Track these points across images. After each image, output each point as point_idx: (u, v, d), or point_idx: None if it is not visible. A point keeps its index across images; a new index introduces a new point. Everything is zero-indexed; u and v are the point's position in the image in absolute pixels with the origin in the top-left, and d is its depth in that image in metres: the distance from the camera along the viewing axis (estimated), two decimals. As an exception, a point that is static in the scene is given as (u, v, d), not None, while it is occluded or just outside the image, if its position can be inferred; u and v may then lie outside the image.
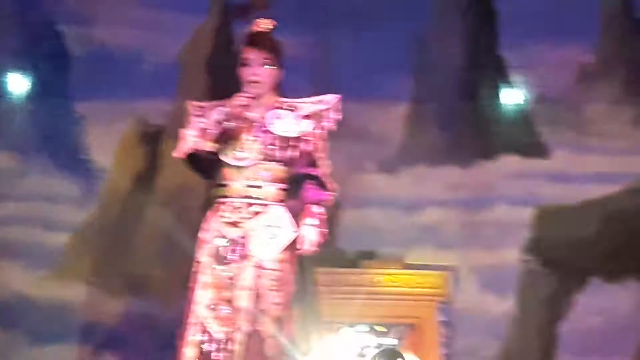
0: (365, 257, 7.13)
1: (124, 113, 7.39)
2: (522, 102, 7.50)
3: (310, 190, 4.71)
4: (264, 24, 4.80)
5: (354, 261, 7.12)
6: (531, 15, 7.31)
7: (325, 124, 4.79)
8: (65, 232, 7.41)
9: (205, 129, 4.67)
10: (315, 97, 4.81)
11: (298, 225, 4.62)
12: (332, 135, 7.39)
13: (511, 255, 7.28)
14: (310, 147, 4.72)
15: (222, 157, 4.65)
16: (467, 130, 7.49)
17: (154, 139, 7.34)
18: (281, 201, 4.69)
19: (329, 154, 7.35)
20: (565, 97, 7.50)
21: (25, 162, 7.43)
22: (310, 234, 4.59)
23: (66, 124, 7.49)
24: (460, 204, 7.39)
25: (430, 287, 6.62)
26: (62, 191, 7.44)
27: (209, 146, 4.62)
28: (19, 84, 7.49)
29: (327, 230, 4.61)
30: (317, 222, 4.62)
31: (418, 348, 6.41)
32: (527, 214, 7.32)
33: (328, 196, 4.72)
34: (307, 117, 4.74)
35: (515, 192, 7.33)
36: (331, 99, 4.81)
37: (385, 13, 7.44)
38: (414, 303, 6.57)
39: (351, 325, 6.39)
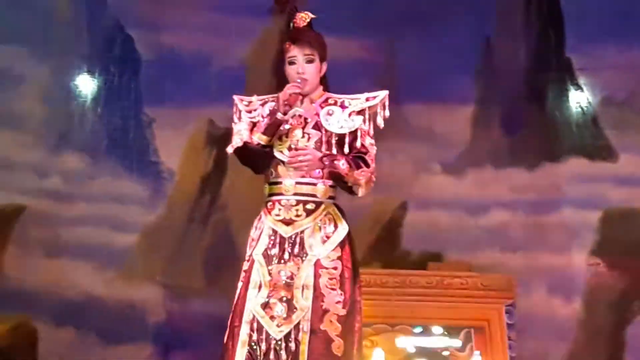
0: (431, 259, 7.15)
1: (192, 116, 7.45)
2: (588, 105, 7.44)
3: (354, 159, 4.66)
4: (302, 18, 4.79)
5: (419, 263, 7.14)
6: (598, 17, 7.25)
7: (376, 120, 4.77)
8: (134, 233, 7.48)
9: (256, 123, 4.67)
10: (365, 93, 4.79)
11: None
12: (397, 137, 7.47)
13: (578, 259, 7.23)
14: (359, 144, 4.70)
15: (276, 154, 4.65)
16: (533, 132, 7.44)
17: (221, 142, 7.40)
18: (332, 198, 4.71)
19: (394, 155, 7.45)
20: (632, 100, 7.42)
21: (95, 164, 7.50)
22: (315, 158, 4.56)
23: (135, 127, 7.57)
24: (526, 207, 7.35)
25: (497, 290, 6.60)
26: (131, 192, 7.51)
27: (261, 139, 4.60)
28: (89, 87, 7.58)
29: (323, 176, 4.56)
30: (331, 165, 4.56)
31: (485, 351, 6.39)
32: (593, 216, 7.25)
33: (365, 172, 4.64)
34: (358, 113, 4.73)
35: (582, 195, 7.27)
36: (380, 95, 4.79)
37: (450, 15, 7.42)
38: (480, 305, 6.54)
39: (417, 327, 6.39)
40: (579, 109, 7.46)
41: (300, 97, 4.67)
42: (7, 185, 7.31)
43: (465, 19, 7.42)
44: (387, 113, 4.73)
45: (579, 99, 7.46)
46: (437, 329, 6.26)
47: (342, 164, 4.59)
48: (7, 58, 7.33)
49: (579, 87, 7.46)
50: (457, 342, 6.20)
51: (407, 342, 5.94)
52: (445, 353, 5.83)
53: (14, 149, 7.36)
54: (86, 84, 7.57)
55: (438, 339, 5.97)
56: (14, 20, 7.32)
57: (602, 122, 7.43)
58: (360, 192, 4.71)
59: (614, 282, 7.21)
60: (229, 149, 4.69)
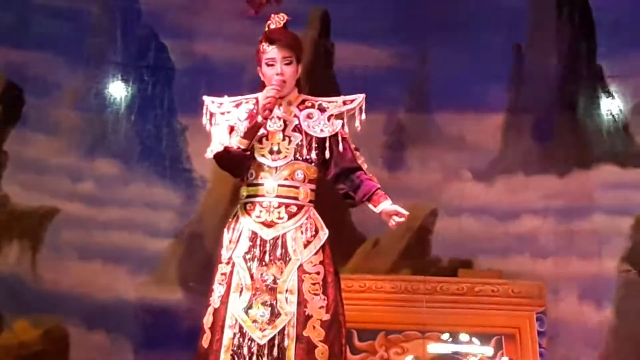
0: (461, 266, 7.15)
1: (225, 124, 7.49)
2: (619, 112, 7.42)
3: (367, 180, 4.68)
4: (277, 20, 4.76)
5: (450, 270, 7.15)
6: (630, 25, 7.22)
7: (354, 124, 4.75)
8: (167, 239, 7.53)
9: (233, 126, 4.64)
10: (342, 97, 4.77)
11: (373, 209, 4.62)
12: (428, 144, 7.48)
13: (609, 265, 7.19)
14: (342, 148, 4.68)
15: (256, 156, 4.62)
16: (564, 139, 7.43)
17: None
18: (312, 202, 4.69)
19: (425, 162, 7.46)
20: (664, 106, 7.40)
21: (128, 170, 7.55)
22: (398, 207, 4.57)
23: (168, 134, 7.61)
24: (557, 213, 7.34)
25: (528, 297, 6.60)
26: (164, 199, 7.55)
27: (241, 143, 4.56)
28: (123, 94, 7.63)
29: None
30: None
31: (516, 358, 6.39)
32: (624, 223, 7.21)
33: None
34: (337, 117, 4.71)
35: (613, 202, 7.23)
36: (358, 98, 4.77)
37: (482, 23, 7.42)
38: (511, 313, 6.55)
39: (448, 334, 6.41)
40: (610, 116, 7.43)
41: (280, 100, 4.66)
42: (41, 188, 7.37)
43: (496, 27, 7.41)
44: (364, 116, 4.72)
45: (610, 106, 7.43)
46: (467, 336, 6.27)
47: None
48: (42, 65, 7.38)
49: (610, 95, 7.44)
50: (487, 350, 6.22)
51: (437, 349, 5.94)
52: (476, 360, 5.85)
53: (49, 154, 7.42)
54: (120, 92, 7.62)
55: (468, 346, 5.98)
56: (49, 27, 7.38)
57: (633, 129, 7.39)
58: None
59: (645, 289, 7.19)
60: (209, 154, 4.64)
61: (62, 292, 7.29)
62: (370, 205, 4.70)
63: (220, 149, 4.59)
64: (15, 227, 7.30)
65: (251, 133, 4.57)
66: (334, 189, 4.85)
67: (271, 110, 4.58)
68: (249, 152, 4.60)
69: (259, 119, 4.55)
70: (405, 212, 4.63)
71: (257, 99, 4.68)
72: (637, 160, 7.30)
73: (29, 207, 7.34)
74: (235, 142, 4.57)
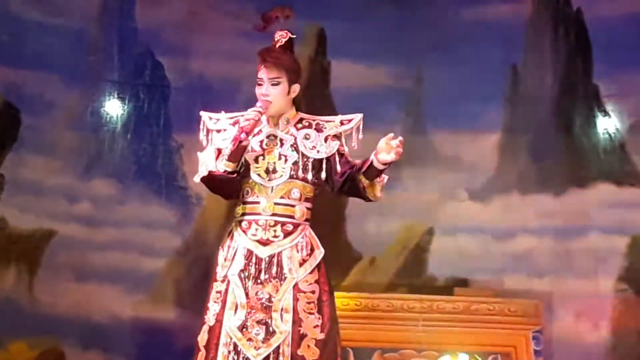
0: (457, 285, 7.15)
1: (220, 142, 7.49)
2: (616, 131, 7.43)
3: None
4: (280, 37, 4.75)
5: (446, 288, 7.14)
6: (626, 44, 7.24)
7: (351, 144, 4.74)
8: (162, 258, 7.52)
9: (220, 149, 4.62)
10: (340, 116, 4.77)
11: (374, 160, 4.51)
12: (424, 163, 7.48)
13: (606, 284, 7.19)
14: (340, 166, 4.66)
15: (252, 175, 4.61)
16: (560, 158, 7.43)
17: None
18: (308, 220, 4.68)
19: (421, 181, 7.46)
20: (660, 125, 7.40)
21: (124, 189, 7.54)
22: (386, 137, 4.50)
23: (164, 152, 7.61)
24: (554, 232, 7.33)
25: (524, 316, 6.59)
26: (159, 218, 7.55)
27: (228, 166, 4.55)
28: (119, 113, 7.63)
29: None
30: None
31: (512, 377, 6.40)
32: (621, 242, 7.21)
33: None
34: (334, 137, 4.72)
35: (609, 221, 7.23)
36: (355, 118, 4.77)
37: (478, 42, 7.43)
38: (507, 331, 6.54)
39: (444, 353, 6.39)
40: (607, 135, 7.44)
41: (261, 121, 4.64)
42: (38, 210, 7.36)
43: (492, 47, 7.43)
44: (361, 136, 4.72)
45: (607, 125, 7.43)
46: (463, 355, 6.25)
47: None
48: (38, 84, 7.38)
49: (606, 114, 7.44)
50: (483, 368, 6.20)
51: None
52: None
53: (45, 174, 7.41)
54: (116, 110, 7.63)
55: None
56: (45, 46, 7.38)
57: (630, 148, 7.39)
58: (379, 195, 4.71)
59: (641, 308, 7.18)
60: (196, 178, 4.64)
61: (58, 314, 7.28)
62: (365, 167, 4.60)
63: (205, 174, 4.59)
64: (13, 250, 7.29)
65: (235, 155, 4.56)
66: (343, 196, 4.88)
67: (248, 133, 4.56)
68: (235, 175, 4.59)
69: (242, 136, 4.55)
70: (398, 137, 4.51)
71: (245, 120, 4.67)
72: (633, 179, 7.30)
73: (26, 230, 7.33)
74: (222, 165, 4.57)
